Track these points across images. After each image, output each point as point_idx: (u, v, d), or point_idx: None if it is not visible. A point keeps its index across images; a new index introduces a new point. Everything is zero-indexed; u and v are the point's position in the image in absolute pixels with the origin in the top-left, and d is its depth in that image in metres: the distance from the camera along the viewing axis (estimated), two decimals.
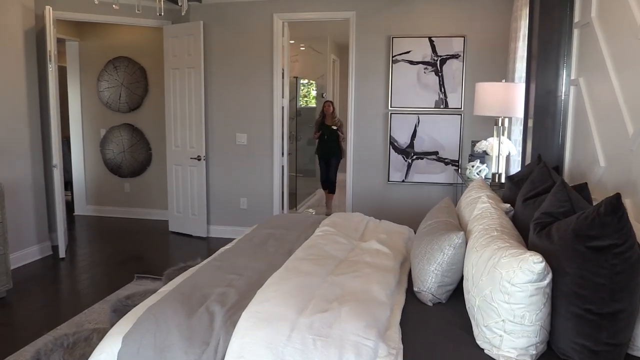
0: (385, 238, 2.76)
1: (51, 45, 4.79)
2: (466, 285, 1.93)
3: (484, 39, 5.14)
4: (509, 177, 2.96)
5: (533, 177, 2.50)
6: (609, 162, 2.58)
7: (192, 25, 5.50)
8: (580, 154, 3.03)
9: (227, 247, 2.87)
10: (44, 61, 4.88)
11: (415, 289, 2.18)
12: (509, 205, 2.37)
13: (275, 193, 5.72)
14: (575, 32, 3.19)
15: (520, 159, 4.57)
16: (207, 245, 5.61)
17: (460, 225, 2.49)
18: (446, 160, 5.34)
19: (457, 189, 5.18)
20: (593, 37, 2.86)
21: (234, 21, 5.54)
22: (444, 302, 2.16)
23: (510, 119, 4.10)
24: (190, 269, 2.46)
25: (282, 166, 5.78)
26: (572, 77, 3.21)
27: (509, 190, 2.85)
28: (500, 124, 4.07)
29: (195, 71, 5.54)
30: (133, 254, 5.22)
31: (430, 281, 2.12)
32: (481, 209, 2.28)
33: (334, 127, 7.14)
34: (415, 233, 3.14)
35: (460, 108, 5.25)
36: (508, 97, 3.87)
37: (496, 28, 5.09)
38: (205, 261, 2.59)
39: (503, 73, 5.07)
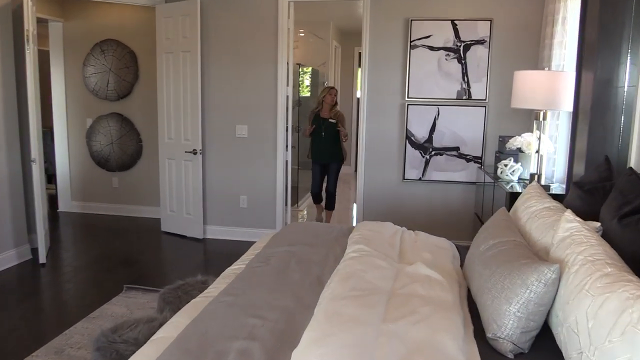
0: (430, 258, 2.28)
1: (29, 24, 4.22)
2: (570, 339, 1.45)
3: (512, 22, 4.64)
4: (576, 184, 2.47)
5: (620, 187, 2.03)
6: None
7: (188, 4, 4.94)
8: None
9: (235, 267, 2.37)
10: (21, 43, 4.31)
11: (488, 335, 1.70)
12: (598, 224, 1.88)
13: (278, 190, 5.21)
14: None
15: (564, 158, 4.10)
16: (204, 248, 5.10)
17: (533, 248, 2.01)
18: (468, 157, 4.86)
19: (479, 189, 4.71)
20: None
21: (234, 0, 4.99)
22: (526, 351, 1.68)
23: (544, 112, 3.63)
24: (192, 301, 1.96)
25: (286, 161, 5.27)
26: None
27: (579, 200, 2.37)
28: (541, 119, 3.59)
29: (191, 56, 5.00)
30: (122, 258, 4.70)
31: (511, 326, 1.64)
32: (569, 230, 1.79)
33: (332, 121, 5.63)
34: (456, 248, 2.66)
35: (485, 99, 4.77)
36: (554, 88, 3.40)
37: (527, 11, 4.60)
38: (212, 288, 2.08)
39: (534, 61, 4.59)
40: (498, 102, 4.76)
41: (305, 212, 6.75)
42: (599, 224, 1.89)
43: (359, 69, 10.14)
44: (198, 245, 5.17)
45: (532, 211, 2.34)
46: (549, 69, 4.03)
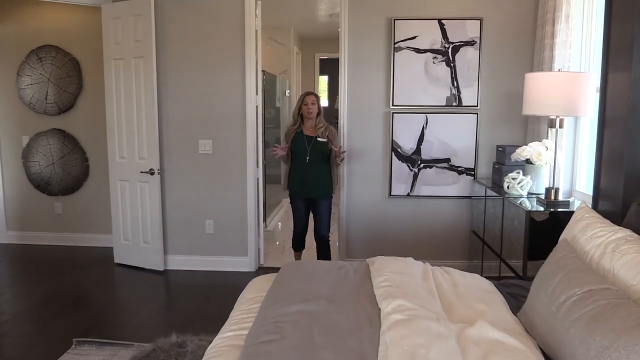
0: (486, 309, 1.78)
1: None
2: None
3: (504, 22, 4.26)
4: None
5: None
6: None
7: (140, 2, 4.30)
8: None
9: (226, 337, 1.77)
10: None
11: None
12: None
13: (249, 213, 4.62)
14: None
15: (570, 169, 3.73)
16: (166, 282, 4.44)
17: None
18: (460, 169, 4.44)
19: (476, 204, 4.28)
20: None
21: None
22: None
23: (561, 119, 3.23)
24: None
25: (258, 179, 4.69)
26: None
27: None
28: (557, 126, 3.18)
29: (145, 62, 4.35)
30: (70, 299, 3.98)
31: None
32: None
33: (322, 140, 4.03)
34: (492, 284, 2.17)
35: (477, 106, 4.36)
36: (574, 92, 2.99)
37: (519, 9, 4.23)
38: None
39: (528, 62, 4.23)
40: (490, 109, 4.37)
41: (278, 231, 6.17)
42: None
43: (320, 77, 9.75)
44: (159, 278, 4.50)
45: (601, 243, 1.88)
46: (551, 71, 3.65)
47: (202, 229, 4.64)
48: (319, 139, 4.03)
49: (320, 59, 9.24)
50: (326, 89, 10.71)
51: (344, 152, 4.12)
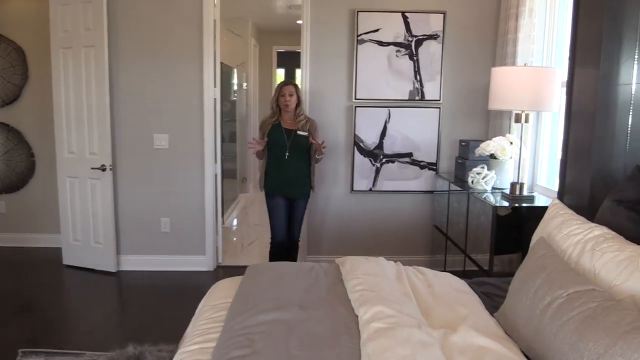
0: (468, 313, 1.71)
1: None
2: None
3: (467, 16, 4.24)
4: (620, 202, 2.01)
5: None
6: None
7: None
8: None
9: (188, 351, 1.63)
10: None
11: None
12: None
13: (207, 210, 4.44)
14: None
15: (531, 164, 3.74)
16: (119, 284, 4.22)
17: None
18: (422, 164, 4.40)
19: (438, 199, 4.26)
20: None
21: None
22: None
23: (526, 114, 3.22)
24: None
25: (216, 175, 4.51)
26: None
27: (631, 222, 1.90)
28: (523, 121, 3.17)
29: (97, 51, 4.09)
30: (15, 305, 3.70)
31: None
32: None
33: (302, 133, 3.74)
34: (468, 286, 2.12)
35: (439, 100, 4.33)
36: (541, 87, 2.97)
37: (482, 3, 4.22)
38: None
39: (491, 57, 4.22)
40: (453, 103, 4.34)
41: (235, 228, 6.00)
42: None
43: (278, 70, 9.58)
44: (111, 280, 4.27)
45: (579, 241, 1.85)
46: (514, 65, 3.65)
47: (158, 227, 4.43)
48: (299, 132, 3.72)
49: (277, 52, 9.06)
50: None
51: (325, 147, 3.76)
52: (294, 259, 3.94)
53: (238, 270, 4.47)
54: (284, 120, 3.78)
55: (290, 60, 10.13)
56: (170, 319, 3.45)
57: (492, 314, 1.89)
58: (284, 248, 3.81)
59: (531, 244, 2.22)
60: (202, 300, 2.20)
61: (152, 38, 4.18)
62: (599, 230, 1.86)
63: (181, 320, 3.35)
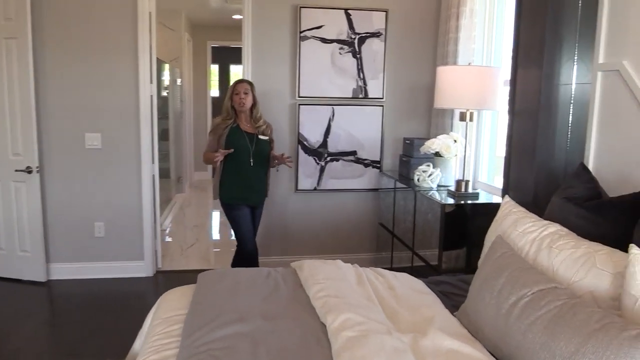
0: (434, 315, 1.69)
1: None
2: None
3: (409, 14, 4.28)
4: (569, 199, 2.06)
5: None
6: None
7: None
8: (626, 164, 2.27)
9: None
10: None
11: None
12: None
13: (145, 212, 4.23)
14: (606, 3, 2.41)
15: (473, 161, 3.82)
16: (50, 295, 3.93)
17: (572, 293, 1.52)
18: (366, 162, 4.41)
19: (384, 197, 4.28)
20: None
21: None
22: None
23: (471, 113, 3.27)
24: None
25: (153, 175, 4.31)
26: (601, 61, 2.44)
27: (581, 219, 1.96)
28: (467, 119, 3.22)
29: (19, 44, 3.78)
30: None
31: None
32: None
33: (263, 137, 3.52)
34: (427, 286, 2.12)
35: (382, 98, 4.34)
36: (485, 86, 3.04)
37: (423, 2, 4.27)
38: None
39: (432, 56, 4.29)
40: (395, 101, 4.37)
41: (169, 229, 5.77)
42: None
43: (212, 66, 9.33)
44: (40, 291, 3.97)
45: (535, 239, 1.88)
46: (455, 64, 3.72)
47: (91, 233, 4.17)
48: (260, 136, 3.48)
49: (212, 47, 8.83)
50: (217, 79, 10.31)
51: (291, 160, 3.61)
52: (257, 266, 3.63)
53: (179, 276, 4.32)
54: (242, 123, 3.50)
55: (225, 56, 9.93)
56: (111, 331, 3.25)
57: (452, 313, 1.89)
58: (255, 256, 3.60)
59: (485, 242, 2.25)
60: (151, 313, 2.06)
61: (82, 30, 3.91)
62: (552, 228, 1.90)
63: (123, 332, 3.18)
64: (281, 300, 1.83)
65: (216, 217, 6.53)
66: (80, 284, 4.06)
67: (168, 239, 5.42)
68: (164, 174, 6.76)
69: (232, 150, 3.36)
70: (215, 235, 5.70)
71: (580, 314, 1.34)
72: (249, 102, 3.47)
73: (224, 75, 10.51)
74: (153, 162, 4.28)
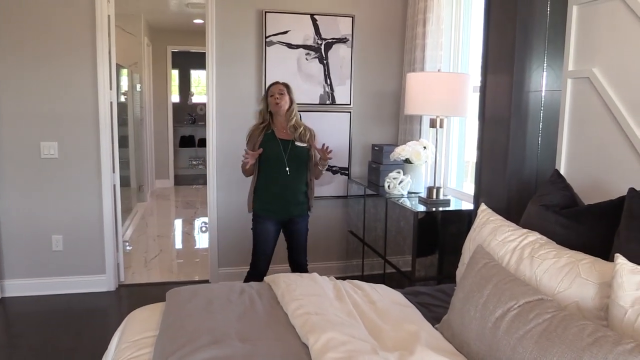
0: (418, 331, 1.64)
1: None
2: None
3: (375, 20, 4.26)
4: (547, 207, 2.05)
5: (636, 213, 1.64)
6: None
7: None
8: (596, 170, 2.29)
9: None
10: None
11: None
12: None
13: (106, 224, 4.05)
14: (575, 11, 2.43)
15: (443, 168, 3.82)
16: (2, 314, 3.71)
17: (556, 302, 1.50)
18: (334, 169, 4.35)
19: (353, 204, 4.23)
20: (619, 14, 2.13)
21: None
22: None
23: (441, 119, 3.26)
24: None
25: (114, 185, 4.14)
26: (571, 68, 2.46)
27: (558, 227, 1.95)
28: (438, 126, 3.21)
29: None
30: None
31: None
32: None
33: (301, 144, 3.23)
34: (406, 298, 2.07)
35: (350, 104, 4.30)
36: (455, 92, 3.03)
37: (389, 8, 4.26)
38: None
39: (399, 62, 4.28)
40: (363, 107, 4.34)
41: (131, 240, 5.56)
42: None
43: (172, 71, 9.12)
44: None
45: (515, 248, 1.86)
46: (422, 70, 3.71)
47: (48, 246, 3.97)
48: (297, 143, 3.18)
49: (172, 52, 8.63)
50: (177, 84, 10.08)
51: (331, 150, 3.16)
52: None
53: (142, 289, 4.15)
54: (277, 128, 3.22)
55: (186, 61, 9.73)
56: (71, 352, 3.08)
57: (433, 325, 1.84)
58: (263, 274, 3.26)
59: (464, 250, 2.22)
60: (117, 335, 1.94)
61: (37, 34, 3.72)
62: (532, 236, 1.88)
63: (85, 352, 3.02)
64: (258, 319, 1.75)
65: (179, 226, 6.35)
66: (37, 301, 3.85)
67: (130, 249, 5.23)
68: (125, 182, 6.53)
69: (261, 150, 3.11)
70: (179, 245, 5.53)
71: (571, 328, 1.31)
72: (284, 103, 3.18)
73: (184, 80, 10.29)
74: (114, 171, 4.11)
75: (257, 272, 3.28)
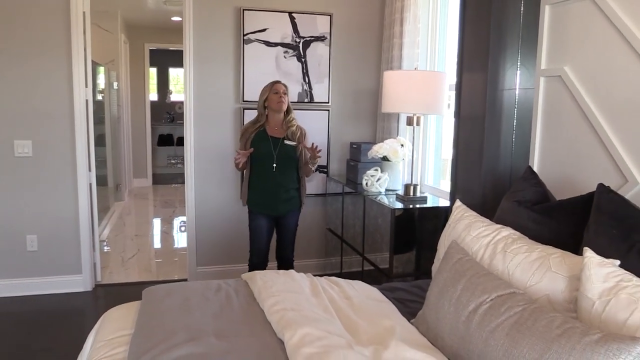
0: (394, 325, 1.66)
1: None
2: None
3: (353, 19, 4.28)
4: (519, 202, 2.09)
5: (607, 209, 1.68)
6: None
7: None
8: (568, 166, 2.34)
9: None
10: None
11: None
12: (618, 261, 1.48)
13: (82, 223, 4.00)
14: (547, 10, 2.48)
15: (419, 166, 3.85)
16: None
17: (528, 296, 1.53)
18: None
19: (332, 202, 4.25)
20: (589, 13, 2.18)
21: None
22: None
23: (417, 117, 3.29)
24: None
25: (90, 184, 4.09)
26: (543, 67, 2.51)
27: (531, 222, 1.99)
28: (414, 124, 3.24)
29: None
30: None
31: None
32: (610, 278, 1.36)
33: (290, 143, 3.30)
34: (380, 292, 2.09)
35: (328, 102, 4.32)
36: (431, 90, 3.06)
37: (367, 7, 4.28)
38: None
39: (377, 60, 4.31)
40: (341, 105, 4.36)
41: (108, 240, 5.50)
42: (617, 261, 1.48)
43: (150, 69, 9.03)
44: None
45: (489, 243, 1.89)
46: (400, 68, 3.74)
47: (23, 246, 3.90)
48: (286, 141, 3.26)
49: (150, 50, 8.54)
50: (155, 82, 9.98)
51: (320, 150, 3.22)
52: None
53: (120, 289, 4.11)
54: (270, 126, 3.31)
55: (164, 59, 9.64)
56: (47, 353, 3.03)
57: (409, 320, 1.87)
58: (261, 269, 3.37)
59: (439, 246, 2.25)
60: (92, 334, 1.92)
61: (9, 29, 3.66)
62: (505, 232, 1.92)
63: (61, 354, 2.98)
64: (235, 316, 1.75)
65: (158, 225, 6.30)
66: (12, 302, 3.78)
67: (107, 249, 5.17)
68: (101, 181, 6.45)
69: (252, 150, 3.22)
70: (157, 244, 5.48)
71: (541, 320, 1.34)
72: (287, 102, 3.29)
73: (163, 78, 10.20)
74: (90, 170, 4.06)
75: (252, 265, 3.43)
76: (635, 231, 1.55)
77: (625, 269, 1.45)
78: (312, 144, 3.24)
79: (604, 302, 1.35)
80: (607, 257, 1.50)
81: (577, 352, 1.20)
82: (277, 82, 3.34)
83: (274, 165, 3.25)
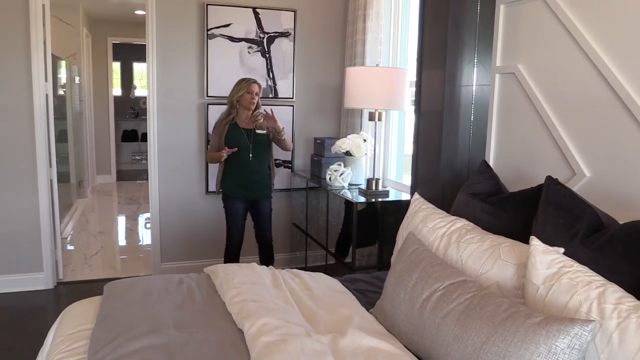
0: (352, 314, 1.70)
1: None
2: None
3: (317, 15, 4.31)
4: (474, 195, 2.17)
5: (554, 200, 1.76)
6: (596, 170, 1.99)
7: None
8: (521, 160, 2.44)
9: None
10: None
11: None
12: (562, 249, 1.56)
13: (43, 220, 3.93)
14: (502, 10, 2.57)
15: (382, 161, 3.92)
16: None
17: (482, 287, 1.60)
18: (277, 161, 4.38)
19: (297, 197, 4.29)
20: (541, 13, 2.27)
21: None
22: None
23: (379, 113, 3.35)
24: None
25: (51, 180, 4.02)
26: (498, 64, 2.60)
27: (485, 214, 2.06)
28: (376, 119, 3.30)
29: None
30: None
31: None
32: (553, 264, 1.44)
33: (261, 132, 3.48)
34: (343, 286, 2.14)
35: (292, 98, 4.35)
36: (393, 86, 3.12)
37: (331, 3, 4.32)
38: None
39: (340, 57, 4.36)
40: (305, 101, 4.40)
41: (70, 237, 5.41)
42: (562, 249, 1.56)
43: (114, 63, 8.87)
44: None
45: (444, 234, 1.96)
46: (363, 65, 3.80)
47: None
48: (257, 131, 3.47)
49: (113, 44, 8.40)
50: (119, 77, 9.81)
51: (268, 113, 3.42)
52: (272, 261, 3.68)
53: (83, 286, 4.06)
54: (240, 119, 3.48)
55: (128, 53, 9.48)
56: (7, 352, 2.98)
57: (368, 310, 1.92)
58: (238, 248, 3.66)
59: (397, 238, 2.31)
60: (52, 330, 1.91)
61: None
62: (460, 223, 1.99)
63: (21, 353, 2.94)
64: (195, 308, 1.77)
65: (122, 222, 6.22)
66: None
67: (70, 247, 5.09)
68: (63, 178, 6.32)
69: (236, 149, 3.40)
70: (122, 241, 5.42)
71: (489, 305, 1.41)
72: (257, 102, 3.49)
73: (127, 73, 10.03)
74: (50, 166, 3.99)
75: (232, 242, 3.63)
76: (579, 220, 1.64)
77: (570, 256, 1.54)
78: (264, 110, 3.46)
79: (547, 287, 1.43)
80: (552, 245, 1.58)
81: (521, 334, 1.27)
82: (254, 82, 3.47)
83: (250, 155, 3.45)
